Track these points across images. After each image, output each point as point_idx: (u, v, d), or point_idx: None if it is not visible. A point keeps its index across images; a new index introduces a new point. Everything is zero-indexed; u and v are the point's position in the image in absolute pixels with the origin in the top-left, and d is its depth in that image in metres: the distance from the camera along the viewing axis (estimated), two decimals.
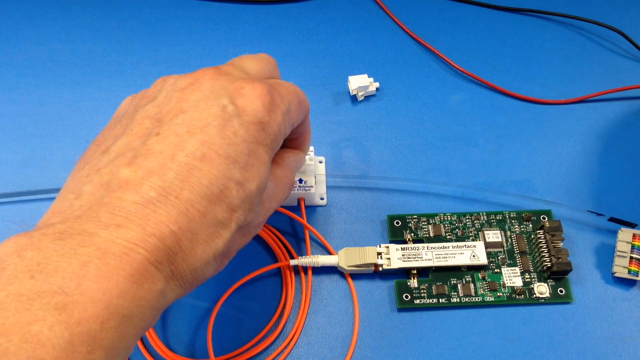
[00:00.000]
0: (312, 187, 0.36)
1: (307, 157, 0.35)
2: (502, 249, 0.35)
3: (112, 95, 0.42)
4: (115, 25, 0.46)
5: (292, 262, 0.34)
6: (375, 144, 0.40)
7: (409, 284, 0.34)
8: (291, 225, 0.37)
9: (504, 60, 0.45)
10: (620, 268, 0.35)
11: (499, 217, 0.37)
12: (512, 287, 0.34)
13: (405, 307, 0.33)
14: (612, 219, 0.36)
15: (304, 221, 0.35)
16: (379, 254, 0.34)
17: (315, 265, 0.34)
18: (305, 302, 0.33)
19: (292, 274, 0.34)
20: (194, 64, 0.44)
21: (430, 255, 0.34)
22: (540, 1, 0.49)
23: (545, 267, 0.34)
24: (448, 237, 0.36)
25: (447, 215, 0.37)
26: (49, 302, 0.16)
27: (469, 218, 0.36)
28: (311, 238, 0.36)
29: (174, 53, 0.45)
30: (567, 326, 0.33)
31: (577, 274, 0.35)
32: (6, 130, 0.40)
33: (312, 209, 0.37)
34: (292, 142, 0.29)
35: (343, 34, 0.47)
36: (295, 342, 0.32)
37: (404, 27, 0.47)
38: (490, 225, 0.36)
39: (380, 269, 0.34)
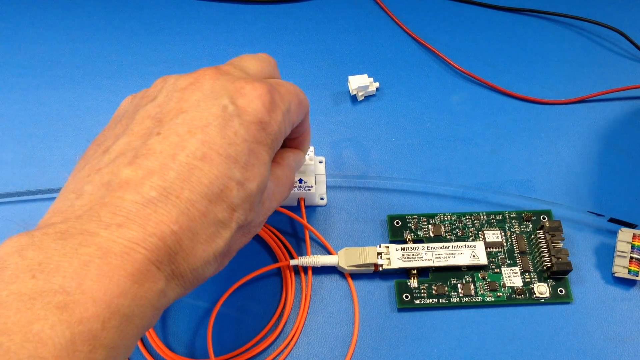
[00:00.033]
0: (312, 187, 0.36)
1: (307, 157, 0.35)
2: (502, 249, 0.35)
3: (112, 95, 0.42)
4: (115, 25, 0.46)
5: (292, 262, 0.34)
6: (375, 144, 0.40)
7: (409, 284, 0.34)
8: (291, 225, 0.37)
9: (504, 60, 0.45)
10: (620, 268, 0.35)
11: (499, 217, 0.37)
12: (512, 287, 0.34)
13: (405, 307, 0.33)
14: (612, 220, 0.36)
15: (304, 221, 0.36)
16: (379, 254, 0.34)
17: (315, 265, 0.34)
18: (305, 302, 0.33)
19: (292, 274, 0.34)
20: (194, 64, 0.44)
21: (430, 255, 0.34)
22: (540, 1, 0.49)
23: (545, 267, 0.34)
24: (448, 237, 0.36)
25: (447, 215, 0.37)
26: (50, 302, 0.16)
27: (469, 218, 0.36)
28: (311, 238, 0.36)
29: (174, 53, 0.45)
30: (567, 326, 0.33)
31: (577, 274, 0.35)
32: (6, 130, 0.40)
33: (312, 209, 0.37)
34: (292, 141, 0.29)
35: (343, 34, 0.47)
36: (295, 342, 0.32)
37: (404, 27, 0.47)
38: (490, 225, 0.36)
39: (380, 269, 0.34)
